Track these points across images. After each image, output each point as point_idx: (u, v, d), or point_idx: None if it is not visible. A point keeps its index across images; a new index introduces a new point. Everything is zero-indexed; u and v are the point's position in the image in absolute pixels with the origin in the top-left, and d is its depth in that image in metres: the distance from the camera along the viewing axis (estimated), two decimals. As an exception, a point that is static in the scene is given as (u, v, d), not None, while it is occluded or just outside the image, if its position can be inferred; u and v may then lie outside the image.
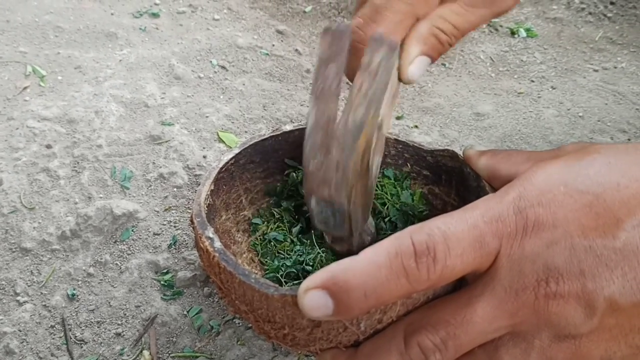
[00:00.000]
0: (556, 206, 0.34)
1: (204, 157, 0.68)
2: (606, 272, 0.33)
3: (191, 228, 0.58)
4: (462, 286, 0.38)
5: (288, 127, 0.55)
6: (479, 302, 0.35)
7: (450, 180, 0.55)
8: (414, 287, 0.34)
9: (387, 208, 0.56)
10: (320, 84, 0.42)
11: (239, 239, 0.54)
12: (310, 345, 0.41)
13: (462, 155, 0.51)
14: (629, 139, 0.77)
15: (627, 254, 0.33)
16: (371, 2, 0.45)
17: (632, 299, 0.33)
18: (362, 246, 0.48)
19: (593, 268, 0.33)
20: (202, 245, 0.43)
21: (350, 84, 0.43)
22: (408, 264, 0.34)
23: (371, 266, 0.34)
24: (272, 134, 0.54)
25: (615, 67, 0.94)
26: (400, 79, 0.47)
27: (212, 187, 0.49)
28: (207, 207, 0.47)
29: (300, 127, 0.55)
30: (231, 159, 0.52)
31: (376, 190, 0.56)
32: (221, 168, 0.51)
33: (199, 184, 0.51)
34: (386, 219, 0.56)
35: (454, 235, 0.34)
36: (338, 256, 0.51)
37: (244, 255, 0.53)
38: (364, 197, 0.46)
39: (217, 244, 0.42)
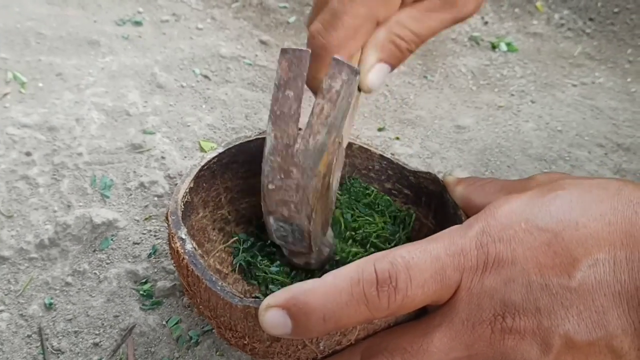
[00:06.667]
0: (516, 243, 0.35)
1: (185, 166, 0.68)
2: (562, 310, 0.34)
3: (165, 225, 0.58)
4: (424, 314, 0.39)
5: None
6: (437, 332, 0.36)
7: (429, 203, 0.55)
8: (373, 314, 0.35)
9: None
10: (279, 108, 0.41)
11: (214, 238, 0.54)
12: (268, 357, 0.41)
13: (442, 180, 0.52)
14: (605, 153, 0.79)
15: (583, 293, 0.34)
16: (329, 7, 0.44)
17: (588, 337, 0.34)
18: (321, 258, 0.50)
19: (549, 306, 0.34)
20: (173, 245, 0.43)
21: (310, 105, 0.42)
22: (369, 292, 0.34)
23: (332, 290, 0.35)
24: (257, 137, 0.54)
25: (593, 83, 0.95)
26: (359, 89, 0.46)
27: (192, 185, 0.49)
28: (184, 204, 0.47)
29: None
30: (214, 157, 0.52)
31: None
32: (203, 166, 0.51)
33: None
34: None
35: (417, 266, 0.35)
36: (296, 269, 0.52)
37: (217, 254, 0.53)
38: (323, 214, 0.46)
39: (189, 246, 0.43)
